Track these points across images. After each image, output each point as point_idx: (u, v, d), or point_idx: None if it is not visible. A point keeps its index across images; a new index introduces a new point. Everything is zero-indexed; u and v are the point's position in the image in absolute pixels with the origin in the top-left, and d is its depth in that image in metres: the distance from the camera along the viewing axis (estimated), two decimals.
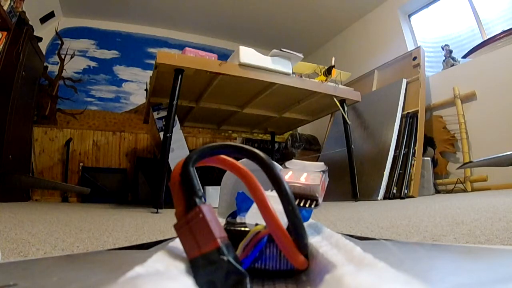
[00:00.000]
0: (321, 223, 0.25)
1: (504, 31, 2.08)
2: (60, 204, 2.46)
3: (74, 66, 3.27)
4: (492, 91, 2.14)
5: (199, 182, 0.17)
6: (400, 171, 2.12)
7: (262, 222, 0.17)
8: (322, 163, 0.26)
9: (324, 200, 0.23)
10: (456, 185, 2.19)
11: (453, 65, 2.49)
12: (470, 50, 2.26)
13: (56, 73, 3.19)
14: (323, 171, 0.24)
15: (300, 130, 3.51)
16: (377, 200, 2.02)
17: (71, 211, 1.50)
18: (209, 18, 3.47)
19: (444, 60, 2.57)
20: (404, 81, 2.47)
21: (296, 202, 0.20)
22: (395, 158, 2.20)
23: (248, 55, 1.72)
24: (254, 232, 0.18)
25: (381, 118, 2.45)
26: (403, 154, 2.19)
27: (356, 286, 0.09)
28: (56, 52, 3.22)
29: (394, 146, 2.23)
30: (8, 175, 1.77)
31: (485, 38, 2.25)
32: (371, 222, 0.80)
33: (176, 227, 0.16)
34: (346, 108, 2.11)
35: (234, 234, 0.19)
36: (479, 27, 2.40)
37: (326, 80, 1.97)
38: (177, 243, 0.17)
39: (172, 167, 1.27)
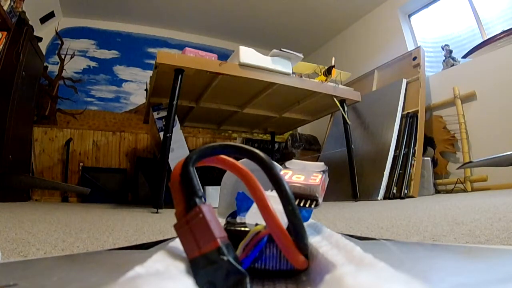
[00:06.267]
0: (321, 223, 0.25)
1: (504, 31, 2.08)
2: (60, 204, 2.46)
3: (74, 66, 3.27)
4: (492, 91, 2.14)
5: (199, 182, 0.17)
6: (400, 171, 2.12)
7: (262, 222, 0.17)
8: (322, 163, 0.26)
9: (324, 200, 0.23)
10: (456, 185, 2.19)
11: (453, 65, 2.49)
12: (470, 50, 2.26)
13: (56, 73, 3.19)
14: (323, 171, 0.24)
15: (300, 130, 3.51)
16: (377, 200, 2.02)
17: (71, 211, 1.50)
18: (209, 18, 3.47)
19: (444, 60, 2.57)
20: (404, 81, 2.47)
21: (296, 202, 0.20)
22: (395, 158, 2.20)
23: (248, 55, 1.72)
24: (254, 232, 0.18)
25: (381, 118, 2.45)
26: (403, 154, 2.19)
27: (356, 286, 0.09)
28: (56, 52, 3.22)
29: (394, 146, 2.23)
30: (8, 175, 1.77)
31: (485, 38, 2.25)
32: (371, 222, 0.80)
33: (176, 227, 0.16)
34: (346, 108, 2.11)
35: (234, 234, 0.19)
36: (479, 27, 2.40)
37: (326, 80, 1.97)
38: (177, 243, 0.17)
39: (172, 167, 1.27)
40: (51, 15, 3.04)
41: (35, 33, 2.50)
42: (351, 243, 0.16)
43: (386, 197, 2.07)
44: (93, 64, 3.37)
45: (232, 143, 0.18)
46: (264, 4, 3.19)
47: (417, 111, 2.30)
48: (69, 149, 3.01)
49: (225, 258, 0.14)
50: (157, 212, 1.40)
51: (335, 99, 2.06)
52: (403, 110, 2.38)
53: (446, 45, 2.57)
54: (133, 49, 3.54)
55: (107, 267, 0.22)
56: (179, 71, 1.59)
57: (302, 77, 1.98)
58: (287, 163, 0.26)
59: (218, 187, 0.37)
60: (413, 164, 2.12)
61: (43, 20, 2.98)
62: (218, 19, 3.49)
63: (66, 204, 2.51)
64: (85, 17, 3.31)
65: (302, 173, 0.23)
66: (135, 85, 3.48)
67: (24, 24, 2.26)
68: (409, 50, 2.72)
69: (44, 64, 2.99)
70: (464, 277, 0.15)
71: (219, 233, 0.15)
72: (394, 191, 2.06)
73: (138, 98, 3.44)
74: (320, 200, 0.22)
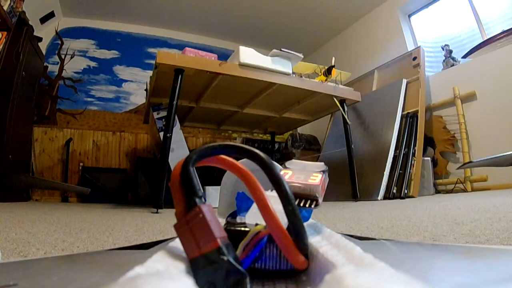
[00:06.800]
0: (321, 223, 0.25)
1: (504, 31, 2.08)
2: (60, 204, 2.46)
3: (74, 66, 3.27)
4: (492, 91, 2.14)
5: (199, 182, 0.17)
6: (400, 171, 2.12)
7: (262, 222, 0.17)
8: (322, 163, 0.26)
9: (324, 200, 0.23)
10: (456, 185, 2.18)
11: (453, 65, 2.49)
12: (470, 50, 2.26)
13: (56, 73, 3.19)
14: (323, 171, 0.24)
15: (300, 130, 3.51)
16: (377, 200, 2.02)
17: (71, 211, 1.50)
18: (209, 18, 3.47)
19: (444, 60, 2.57)
20: (404, 81, 2.47)
21: (296, 202, 0.20)
22: (395, 158, 2.20)
23: (248, 55, 1.72)
24: (254, 232, 0.18)
25: (381, 118, 2.45)
26: (403, 154, 2.19)
27: (356, 286, 0.09)
28: (56, 52, 3.22)
29: (394, 146, 2.23)
30: (8, 175, 1.77)
31: (485, 38, 2.25)
32: (371, 222, 0.80)
33: (176, 227, 0.16)
34: (346, 108, 2.11)
35: (234, 234, 0.19)
36: (479, 27, 2.40)
37: (326, 80, 1.97)
38: (177, 243, 0.17)
39: (172, 167, 1.27)
40: (51, 15, 3.04)
41: (35, 33, 2.50)
42: (351, 243, 0.16)
43: (386, 197, 2.06)
44: (93, 64, 3.37)
45: (232, 143, 0.18)
46: (264, 4, 3.19)
47: (417, 111, 2.30)
48: (69, 149, 3.01)
49: (225, 258, 0.14)
50: (157, 212, 1.40)
51: (335, 99, 2.06)
52: (403, 110, 2.38)
53: (446, 45, 2.57)
54: (133, 49, 3.54)
55: (107, 267, 0.22)
56: (179, 71, 1.59)
57: (302, 77, 1.98)
58: (287, 163, 0.26)
59: (218, 187, 0.37)
60: (413, 164, 2.12)
61: (43, 20, 2.98)
62: (218, 19, 3.49)
63: (66, 204, 2.51)
64: (85, 17, 3.31)
65: (302, 173, 0.23)
66: (135, 85, 3.48)
67: (24, 24, 2.26)
68: (409, 50, 2.72)
69: (44, 64, 2.99)
70: (464, 277, 0.15)
71: (219, 233, 0.15)
72: (394, 191, 2.06)
73: (138, 98, 3.44)
74: (320, 200, 0.22)
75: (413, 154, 2.16)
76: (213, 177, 1.37)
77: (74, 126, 3.15)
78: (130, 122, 3.37)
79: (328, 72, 1.95)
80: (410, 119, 2.30)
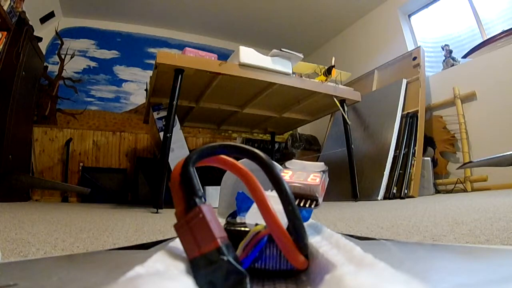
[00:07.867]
0: (321, 223, 0.25)
1: (504, 31, 2.08)
2: (60, 204, 2.46)
3: (74, 66, 3.27)
4: (492, 91, 2.14)
5: (199, 182, 0.17)
6: (400, 171, 2.12)
7: (262, 222, 0.17)
8: (322, 163, 0.26)
9: (324, 200, 0.23)
10: (456, 185, 2.18)
11: (453, 65, 2.49)
12: (470, 50, 2.26)
13: (56, 73, 3.19)
14: (323, 171, 0.24)
15: (300, 130, 3.51)
16: (377, 200, 2.02)
17: (71, 211, 1.50)
18: (209, 18, 3.47)
19: (444, 60, 2.57)
20: (404, 81, 2.47)
21: (296, 202, 0.20)
22: (395, 158, 2.20)
23: (248, 55, 1.72)
24: (254, 232, 0.18)
25: (381, 118, 2.45)
26: (403, 154, 2.19)
27: (356, 286, 0.09)
28: (56, 52, 3.22)
29: (394, 146, 2.23)
30: (8, 175, 1.77)
31: (485, 38, 2.25)
32: (371, 222, 0.80)
33: (176, 227, 0.16)
34: (346, 108, 2.11)
35: (234, 234, 0.19)
36: (479, 27, 2.40)
37: (326, 80, 1.97)
38: (177, 243, 0.17)
39: (172, 167, 1.27)
40: (51, 15, 3.04)
41: (35, 33, 2.50)
42: (351, 243, 0.16)
43: (386, 197, 2.06)
44: (93, 64, 3.37)
45: (232, 143, 0.18)
46: (264, 4, 3.19)
47: (417, 111, 2.30)
48: (69, 149, 3.01)
49: (225, 258, 0.14)
50: (157, 212, 1.40)
51: (335, 99, 2.06)
52: (403, 110, 2.38)
53: (446, 45, 2.57)
54: (133, 49, 3.54)
55: (107, 267, 0.22)
56: (179, 71, 1.59)
57: (302, 77, 1.98)
58: (287, 163, 0.26)
59: (218, 187, 0.37)
60: (413, 164, 2.12)
61: (43, 20, 2.98)
62: (218, 19, 3.49)
63: (66, 204, 2.51)
64: (85, 17, 3.31)
65: (302, 173, 0.23)
66: (135, 85, 3.48)
67: (24, 24, 2.26)
68: (409, 50, 2.72)
69: (44, 64, 2.99)
70: (464, 277, 0.15)
71: (219, 233, 0.15)
72: (394, 191, 2.06)
73: (138, 98, 3.44)
74: (320, 200, 0.22)
75: (413, 154, 2.16)
76: (213, 177, 1.37)
77: (74, 126, 3.15)
78: (130, 122, 3.37)
79: (328, 72, 1.94)
80: (410, 119, 2.30)
